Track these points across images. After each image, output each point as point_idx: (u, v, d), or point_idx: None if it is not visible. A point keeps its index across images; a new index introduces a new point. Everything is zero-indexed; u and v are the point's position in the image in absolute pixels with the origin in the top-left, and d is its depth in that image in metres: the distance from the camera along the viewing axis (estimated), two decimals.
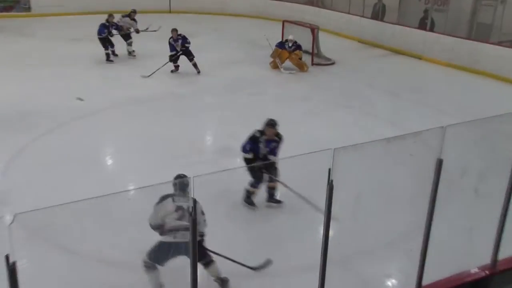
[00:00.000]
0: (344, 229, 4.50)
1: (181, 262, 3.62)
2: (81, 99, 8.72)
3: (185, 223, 3.78)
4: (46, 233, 4.40)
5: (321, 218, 2.95)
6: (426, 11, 13.09)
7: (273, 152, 5.30)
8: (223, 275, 4.14)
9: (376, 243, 4.75)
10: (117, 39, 11.64)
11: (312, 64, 11.66)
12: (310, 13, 15.92)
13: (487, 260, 3.68)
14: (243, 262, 4.19)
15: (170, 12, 17.97)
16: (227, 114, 8.46)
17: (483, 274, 3.64)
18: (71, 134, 7.35)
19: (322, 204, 2.93)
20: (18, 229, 2.06)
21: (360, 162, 4.87)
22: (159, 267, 3.97)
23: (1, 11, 16.81)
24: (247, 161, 5.35)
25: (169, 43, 10.50)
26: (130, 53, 11.95)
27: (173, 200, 3.84)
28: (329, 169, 2.76)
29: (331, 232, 2.98)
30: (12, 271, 2.10)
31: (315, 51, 11.91)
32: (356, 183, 4.58)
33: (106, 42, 11.32)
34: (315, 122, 8.17)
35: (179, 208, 3.84)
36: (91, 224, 4.03)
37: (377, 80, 10.80)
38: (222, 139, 7.42)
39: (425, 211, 3.27)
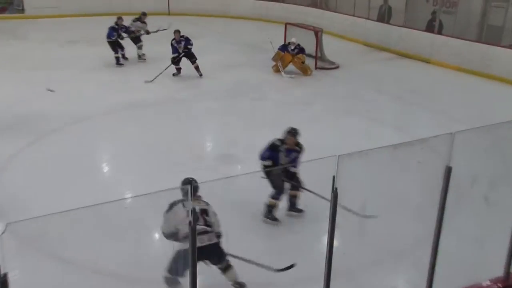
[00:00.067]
0: (350, 239, 4.49)
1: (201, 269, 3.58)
2: (51, 90, 8.67)
3: (201, 226, 3.87)
4: (40, 242, 4.41)
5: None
6: (434, 13, 13.10)
7: (294, 163, 5.17)
8: (240, 279, 4.14)
9: (383, 253, 4.73)
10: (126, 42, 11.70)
11: (316, 68, 11.68)
12: (314, 15, 15.98)
13: (499, 272, 3.66)
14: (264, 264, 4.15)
15: (169, 14, 18.06)
16: (228, 119, 8.47)
17: (495, 287, 3.63)
18: (66, 140, 7.35)
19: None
20: (10, 239, 2.06)
21: (365, 170, 4.88)
22: (181, 280, 3.94)
23: None
24: (265, 169, 5.21)
25: (172, 44, 10.57)
26: (140, 56, 12.01)
27: (184, 206, 3.86)
28: (333, 177, 2.76)
29: (335, 242, 2.98)
30: (3, 282, 2.10)
31: (319, 54, 11.94)
32: (361, 191, 4.57)
33: (116, 46, 11.38)
34: (318, 128, 8.17)
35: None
36: (87, 233, 4.03)
37: (383, 85, 10.81)
38: (223, 145, 7.43)
39: (434, 221, 3.26)
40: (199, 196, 4.05)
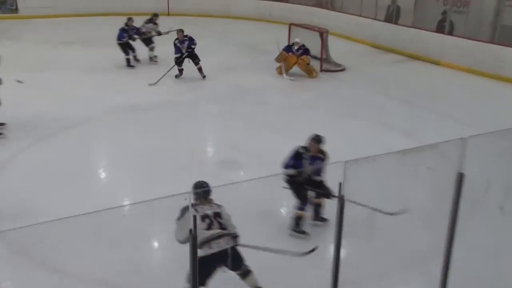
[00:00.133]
0: (357, 248, 4.48)
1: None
2: (20, 82, 8.67)
3: (218, 230, 3.88)
4: (33, 252, 4.39)
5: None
6: (444, 13, 13.10)
7: (318, 172, 5.10)
8: (260, 284, 4.11)
9: (392, 263, 4.72)
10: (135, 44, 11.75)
11: (321, 70, 11.69)
12: (319, 16, 16.02)
13: None
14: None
15: (168, 14, 18.13)
16: (230, 123, 8.48)
17: None
18: (62, 145, 7.36)
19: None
20: (2, 248, 2.06)
21: (373, 176, 4.87)
22: None
23: None
24: (289, 179, 5.15)
25: (175, 44, 10.62)
26: (152, 58, 12.05)
27: (197, 211, 3.87)
28: (340, 183, 2.76)
29: (342, 252, 2.98)
30: None
31: (324, 56, 11.96)
32: (369, 198, 4.56)
33: (126, 47, 11.41)
34: (323, 132, 8.09)
35: (205, 217, 3.91)
36: (83, 242, 4.02)
37: (391, 88, 10.80)
38: (225, 150, 7.43)
39: (445, 230, 3.25)
40: (211, 200, 4.07)
